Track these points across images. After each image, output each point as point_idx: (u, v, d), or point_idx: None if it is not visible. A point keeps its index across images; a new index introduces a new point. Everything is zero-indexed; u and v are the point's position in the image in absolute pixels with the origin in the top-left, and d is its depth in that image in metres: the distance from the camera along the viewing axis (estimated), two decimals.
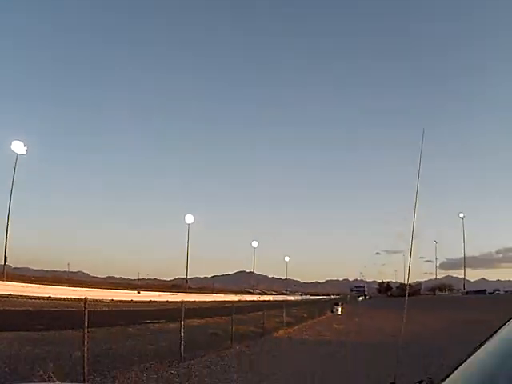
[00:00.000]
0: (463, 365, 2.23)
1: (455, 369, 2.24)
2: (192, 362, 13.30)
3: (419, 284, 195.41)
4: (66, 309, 17.88)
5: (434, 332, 26.65)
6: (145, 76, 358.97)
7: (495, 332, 2.33)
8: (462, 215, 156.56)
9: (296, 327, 27.98)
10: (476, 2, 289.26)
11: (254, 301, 63.80)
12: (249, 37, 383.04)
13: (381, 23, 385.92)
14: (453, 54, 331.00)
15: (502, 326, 2.33)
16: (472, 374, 2.17)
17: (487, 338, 2.32)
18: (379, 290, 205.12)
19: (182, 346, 13.69)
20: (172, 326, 16.95)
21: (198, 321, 25.80)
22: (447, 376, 2.20)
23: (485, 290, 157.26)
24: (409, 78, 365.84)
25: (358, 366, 14.10)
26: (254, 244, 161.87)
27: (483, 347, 2.27)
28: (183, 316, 14.51)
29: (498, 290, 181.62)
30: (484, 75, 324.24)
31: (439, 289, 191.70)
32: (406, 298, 3.46)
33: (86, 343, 10.20)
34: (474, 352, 2.28)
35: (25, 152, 69.64)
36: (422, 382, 2.26)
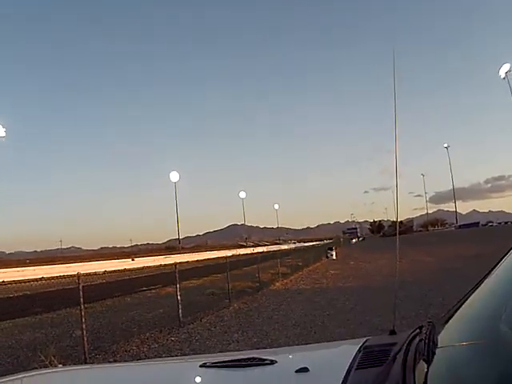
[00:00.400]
0: (463, 305, 2.18)
1: (456, 310, 2.19)
2: (191, 325, 13.37)
3: (411, 221, 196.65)
4: (62, 287, 17.75)
5: (432, 270, 26.60)
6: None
7: (493, 268, 2.25)
8: (446, 145, 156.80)
9: (292, 277, 28.18)
10: None
11: (247, 254, 64.02)
12: None
13: None
14: None
15: (500, 261, 2.24)
16: (473, 314, 2.10)
17: (485, 275, 2.26)
18: (372, 230, 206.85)
19: (180, 311, 13.74)
20: (169, 290, 16.97)
21: (195, 281, 25.90)
22: (449, 318, 2.16)
23: (478, 223, 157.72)
24: None
25: (357, 313, 14.17)
26: (242, 195, 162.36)
27: (482, 285, 2.22)
28: (178, 279, 14.55)
29: (491, 222, 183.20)
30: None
31: (431, 224, 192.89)
32: (397, 238, 3.45)
33: (83, 320, 10.25)
34: (472, 291, 2.23)
35: (4, 134, 68.88)
36: (422, 327, 2.23)
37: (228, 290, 18.41)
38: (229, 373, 1.96)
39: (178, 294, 13.98)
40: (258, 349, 9.36)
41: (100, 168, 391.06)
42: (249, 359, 1.97)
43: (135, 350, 10.80)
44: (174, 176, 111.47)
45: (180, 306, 13.81)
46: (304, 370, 1.77)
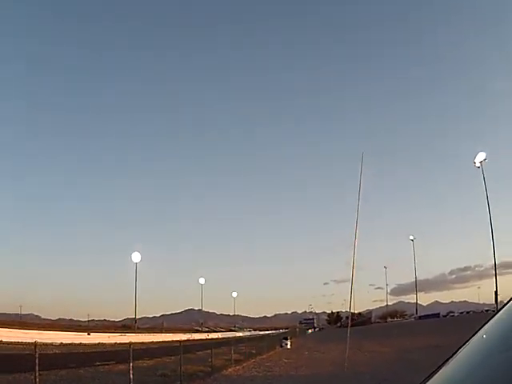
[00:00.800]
0: None
1: None
2: None
3: (370, 312, 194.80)
4: (19, 352, 17.71)
5: (388, 361, 26.74)
6: None
7: (449, 358, 2.18)
8: (411, 238, 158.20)
9: (245, 364, 27.95)
10: None
11: (202, 339, 63.35)
12: None
13: None
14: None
15: (456, 351, 2.19)
16: None
17: (441, 365, 2.17)
18: (329, 321, 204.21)
19: None
20: (122, 367, 16.99)
21: (147, 361, 25.69)
22: None
23: (438, 314, 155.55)
24: None
25: None
26: (201, 281, 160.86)
27: (438, 373, 2.12)
28: (131, 358, 14.60)
29: (453, 312, 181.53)
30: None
31: (390, 316, 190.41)
32: (349, 327, 3.01)
33: None
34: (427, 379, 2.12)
35: None
36: None
37: (180, 373, 18.26)
38: None
39: (131, 372, 14.02)
40: None
41: (64, 237, 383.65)
42: None
43: None
44: (136, 256, 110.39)
45: None
46: None
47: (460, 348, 2.18)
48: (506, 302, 2.20)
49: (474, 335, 2.21)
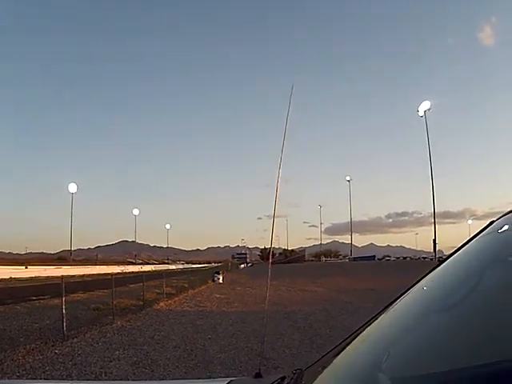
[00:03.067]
0: (340, 350, 2.01)
1: (331, 355, 2.03)
2: (75, 339, 13.37)
3: (303, 250, 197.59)
4: None
5: (321, 301, 27.03)
6: None
7: (378, 313, 2.11)
8: (348, 178, 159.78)
9: (177, 298, 28.06)
10: None
11: (135, 272, 63.50)
12: None
13: None
14: None
15: (394, 301, 2.09)
16: (350, 360, 1.92)
17: (369, 320, 2.10)
18: (262, 257, 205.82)
19: (65, 324, 13.75)
20: (56, 301, 16.82)
21: (81, 295, 25.70)
22: (323, 363, 2.00)
23: (374, 256, 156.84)
24: None
25: (239, 339, 14.41)
26: (135, 212, 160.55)
27: (363, 329, 2.06)
28: (64, 293, 14.55)
29: (389, 257, 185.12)
30: None
31: (324, 255, 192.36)
32: (270, 264, 2.85)
33: None
34: (352, 335, 2.08)
35: None
36: (284, 378, 2.00)
37: (112, 307, 18.36)
38: None
39: (64, 307, 13.99)
40: (126, 379, 9.60)
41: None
42: None
43: (21, 360, 10.73)
44: (72, 187, 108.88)
45: (65, 320, 13.80)
46: None
47: (398, 298, 2.11)
48: (449, 253, 2.10)
49: (413, 285, 2.11)
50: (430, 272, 2.10)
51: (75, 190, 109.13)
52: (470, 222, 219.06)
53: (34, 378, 9.43)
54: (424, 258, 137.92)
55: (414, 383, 1.49)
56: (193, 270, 56.84)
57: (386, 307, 2.10)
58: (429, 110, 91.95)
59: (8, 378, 9.22)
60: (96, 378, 9.56)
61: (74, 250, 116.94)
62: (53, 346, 12.49)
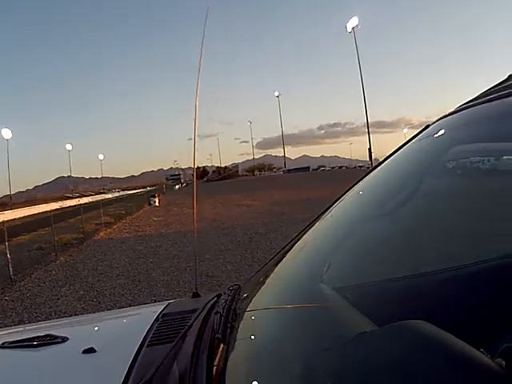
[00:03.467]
0: (277, 262, 2.04)
1: (269, 268, 2.06)
2: (22, 283, 13.67)
3: (236, 166, 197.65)
4: None
5: (258, 214, 27.51)
6: None
7: (313, 221, 2.12)
8: (276, 94, 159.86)
9: (115, 226, 28.29)
10: None
11: (73, 205, 62.73)
12: None
13: None
14: None
15: (329, 207, 2.10)
16: (289, 272, 1.94)
17: (304, 229, 2.12)
18: (196, 177, 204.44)
19: (11, 269, 14.08)
20: (1, 247, 17.01)
21: (24, 237, 25.53)
22: (262, 277, 2.02)
23: (308, 167, 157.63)
24: None
25: (180, 259, 14.89)
26: (68, 147, 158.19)
27: (300, 239, 2.06)
28: (6, 238, 14.72)
29: (324, 167, 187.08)
30: None
31: (258, 169, 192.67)
32: (195, 183, 2.79)
33: None
34: (288, 245, 2.08)
35: None
36: (220, 295, 1.96)
37: (54, 244, 18.66)
38: (23, 354, 1.78)
39: (8, 252, 14.19)
40: (71, 315, 9.80)
41: None
42: (43, 337, 1.83)
43: None
44: (7, 133, 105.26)
45: (10, 265, 14.10)
46: (91, 350, 1.64)
47: (333, 203, 2.11)
48: (383, 158, 2.06)
49: (348, 190, 2.12)
50: (365, 176, 2.12)
51: (10, 136, 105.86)
52: (405, 130, 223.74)
53: None
54: (360, 166, 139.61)
55: (357, 291, 1.55)
56: (129, 197, 56.71)
57: (322, 213, 2.12)
58: (357, 26, 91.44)
59: None
60: (47, 318, 9.87)
61: (14, 194, 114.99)
62: (2, 293, 12.70)
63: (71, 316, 9.48)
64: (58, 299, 11.49)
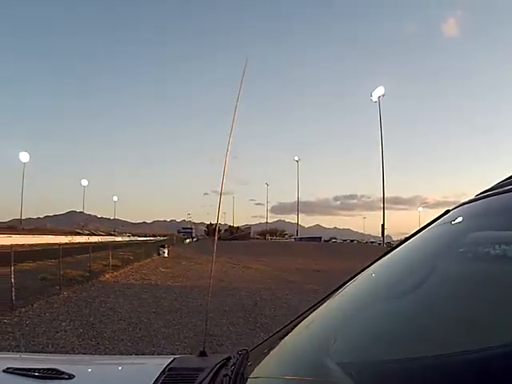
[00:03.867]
0: (286, 333, 2.04)
1: (277, 337, 2.06)
2: (23, 309, 13.49)
3: (249, 227, 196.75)
4: None
5: (266, 279, 27.21)
6: None
7: (326, 297, 2.13)
8: (296, 158, 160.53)
9: (122, 270, 28.10)
10: None
11: (82, 242, 62.86)
12: None
13: None
14: None
15: (342, 285, 2.11)
16: (296, 343, 1.95)
17: (316, 303, 2.13)
18: (207, 232, 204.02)
19: (14, 294, 13.87)
20: (5, 270, 16.93)
21: (30, 264, 25.47)
22: (269, 346, 2.03)
23: (320, 237, 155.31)
24: None
25: (183, 314, 14.69)
26: (84, 182, 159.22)
27: (311, 312, 2.08)
28: (12, 262, 14.66)
29: (335, 239, 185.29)
30: None
31: (270, 234, 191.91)
32: (216, 239, 2.83)
33: None
34: (299, 317, 2.10)
35: None
36: (229, 358, 1.92)
37: (59, 277, 18.45)
38: (26, 383, 1.76)
39: (12, 276, 14.11)
40: (70, 352, 9.46)
41: None
42: (50, 370, 1.80)
43: None
44: (24, 156, 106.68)
45: (13, 289, 13.92)
46: None
47: (345, 283, 2.11)
48: (398, 239, 2.01)
49: (362, 271, 2.13)
50: (379, 259, 2.13)
51: (27, 160, 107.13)
52: (420, 209, 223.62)
53: None
54: (372, 242, 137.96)
55: (361, 369, 1.50)
56: (138, 243, 56.67)
57: (333, 292, 2.13)
58: (383, 95, 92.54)
59: None
60: (43, 349, 9.71)
61: (24, 219, 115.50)
62: (2, 315, 12.58)
63: (76, 354, 9.31)
64: (57, 332, 11.32)
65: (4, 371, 1.80)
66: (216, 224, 2.63)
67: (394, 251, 2.07)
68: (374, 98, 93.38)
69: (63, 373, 1.77)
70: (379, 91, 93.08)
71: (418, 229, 2.01)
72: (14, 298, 13.91)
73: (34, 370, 1.81)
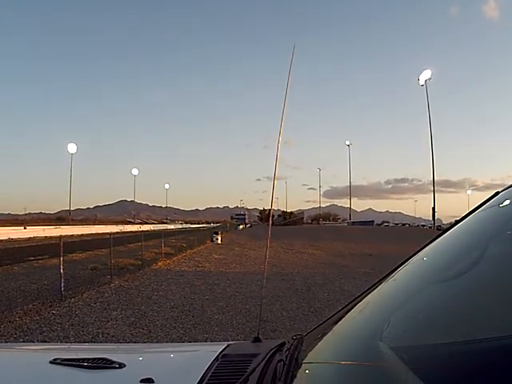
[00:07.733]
0: (339, 318, 2.01)
1: (331, 322, 2.05)
2: (73, 300, 13.44)
3: (302, 212, 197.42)
4: None
5: (319, 264, 27.03)
6: None
7: (378, 281, 2.11)
8: (348, 143, 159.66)
9: (175, 258, 28.06)
10: None
11: (134, 231, 63.56)
12: None
13: None
14: None
15: (395, 269, 2.09)
16: (349, 328, 1.91)
17: (368, 288, 2.11)
18: (260, 218, 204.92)
19: (63, 284, 13.78)
20: (55, 261, 16.80)
21: (80, 255, 25.72)
22: (322, 331, 2.00)
23: (372, 221, 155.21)
24: None
25: (237, 300, 14.47)
26: (135, 172, 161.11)
27: (363, 297, 2.07)
28: (62, 253, 14.55)
29: (387, 222, 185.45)
30: None
31: (323, 218, 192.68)
32: (270, 228, 3.01)
33: None
34: (352, 302, 2.09)
35: None
36: (283, 344, 1.99)
37: (110, 266, 18.44)
38: (76, 373, 1.75)
39: (61, 267, 14.00)
40: (122, 341, 9.46)
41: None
42: (99, 360, 1.80)
43: (18, 322, 10.76)
44: (72, 148, 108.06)
45: (62, 280, 13.83)
46: (149, 380, 1.59)
47: (398, 267, 2.11)
48: (448, 222, 2.02)
49: (414, 255, 2.10)
50: (430, 242, 2.09)
51: (75, 151, 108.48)
52: (469, 192, 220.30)
53: (31, 340, 9.38)
54: (423, 225, 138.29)
55: (414, 353, 1.46)
56: (191, 230, 56.98)
57: (386, 276, 2.10)
58: (429, 79, 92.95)
59: (5, 341, 9.21)
60: (93, 339, 9.57)
61: (73, 210, 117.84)
62: (50, 306, 12.49)
63: (127, 342, 9.29)
64: (108, 322, 11.20)
65: (51, 362, 1.82)
66: (270, 209, 2.69)
67: (445, 235, 2.06)
68: (421, 82, 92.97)
69: (113, 362, 1.81)
70: (426, 74, 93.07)
71: (468, 212, 2.01)
72: (63, 288, 13.82)
73: (83, 360, 1.84)
